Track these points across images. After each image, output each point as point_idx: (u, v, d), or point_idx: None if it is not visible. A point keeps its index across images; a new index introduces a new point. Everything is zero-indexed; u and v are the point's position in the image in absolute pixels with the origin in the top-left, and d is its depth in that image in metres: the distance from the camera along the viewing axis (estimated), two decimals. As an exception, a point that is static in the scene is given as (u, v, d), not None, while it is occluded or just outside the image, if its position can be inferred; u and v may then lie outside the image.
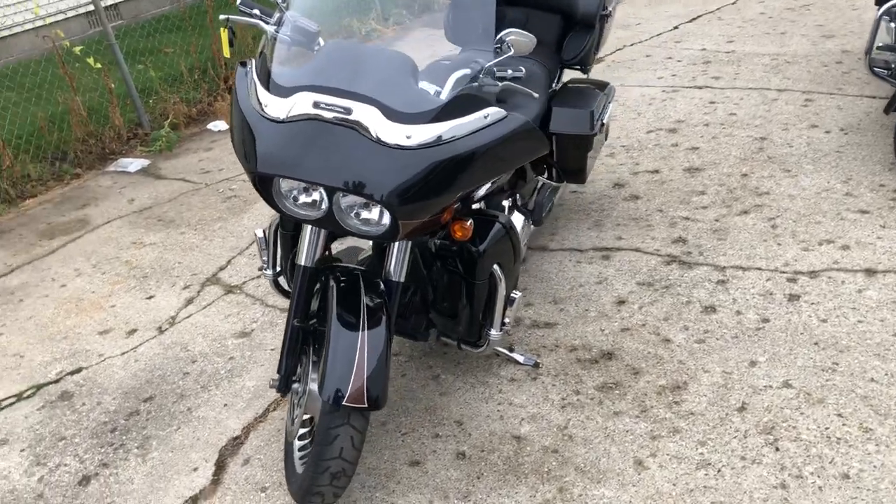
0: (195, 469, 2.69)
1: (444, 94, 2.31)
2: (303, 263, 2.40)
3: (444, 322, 2.67)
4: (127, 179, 5.29)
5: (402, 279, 2.41)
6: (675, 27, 6.73)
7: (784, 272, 3.26)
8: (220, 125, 6.04)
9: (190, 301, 3.70)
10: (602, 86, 3.57)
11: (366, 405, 2.12)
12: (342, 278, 2.32)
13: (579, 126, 3.27)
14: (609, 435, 2.58)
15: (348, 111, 2.03)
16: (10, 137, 5.40)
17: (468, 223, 2.39)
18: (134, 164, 5.48)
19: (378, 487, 2.50)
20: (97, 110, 5.84)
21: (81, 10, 7.19)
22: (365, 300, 2.26)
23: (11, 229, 4.77)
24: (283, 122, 2.08)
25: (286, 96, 2.10)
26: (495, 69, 2.40)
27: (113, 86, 5.78)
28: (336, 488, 2.24)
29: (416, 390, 2.90)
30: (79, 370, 3.31)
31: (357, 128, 2.02)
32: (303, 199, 2.15)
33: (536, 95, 2.64)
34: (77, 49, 5.50)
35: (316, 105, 2.05)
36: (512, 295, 2.63)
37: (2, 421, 3.07)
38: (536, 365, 2.92)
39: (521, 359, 2.94)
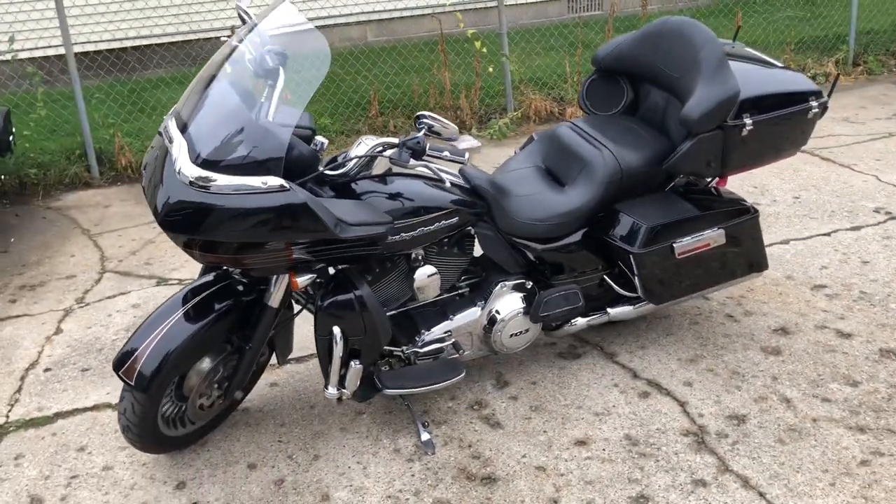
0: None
1: (360, 151, 2.45)
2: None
3: None
4: (448, 153, 5.94)
5: (276, 306, 2.62)
6: None
7: (780, 516, 2.44)
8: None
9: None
10: (721, 206, 2.99)
11: (131, 383, 2.48)
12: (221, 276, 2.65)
13: (627, 240, 2.88)
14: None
15: (171, 141, 2.32)
16: (386, 93, 6.48)
17: (302, 278, 2.47)
18: (466, 142, 6.09)
19: (213, 466, 2.81)
20: (466, 87, 6.52)
21: (491, 4, 7.72)
22: (207, 296, 2.57)
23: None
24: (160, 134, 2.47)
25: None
26: (428, 147, 2.42)
27: (491, 69, 6.42)
28: (129, 436, 2.65)
29: (335, 415, 3.04)
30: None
31: (169, 156, 2.31)
32: None
33: (447, 184, 2.50)
34: (470, 32, 6.23)
35: (164, 128, 2.39)
36: (351, 363, 2.60)
37: (158, 292, 4.10)
38: (426, 452, 2.80)
39: (423, 437, 2.85)
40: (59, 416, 3.16)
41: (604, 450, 2.77)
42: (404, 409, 3.03)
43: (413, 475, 2.71)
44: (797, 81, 3.00)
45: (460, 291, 2.99)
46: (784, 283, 3.75)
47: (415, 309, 2.91)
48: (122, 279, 4.28)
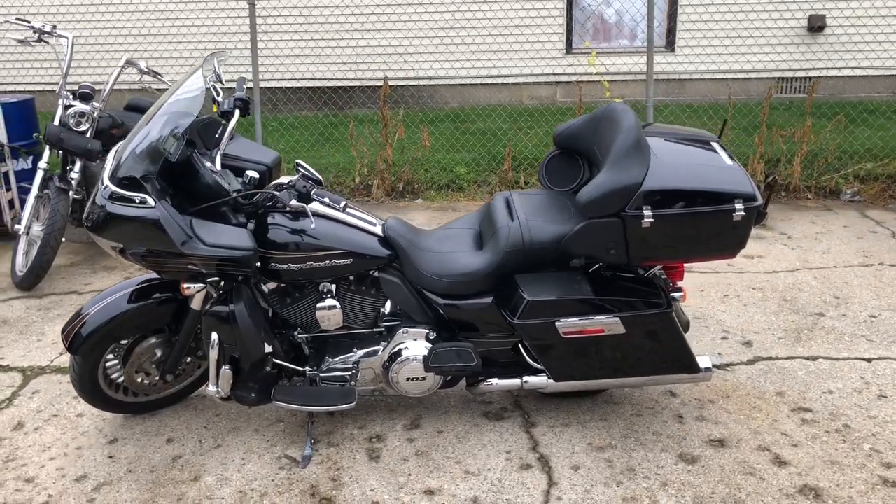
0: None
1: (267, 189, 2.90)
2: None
3: None
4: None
5: (195, 308, 3.11)
6: None
7: None
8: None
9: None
10: (627, 295, 2.96)
11: (66, 345, 3.09)
12: None
13: (510, 309, 2.99)
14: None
15: (107, 162, 2.92)
16: (524, 150, 6.76)
17: (191, 286, 2.91)
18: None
19: (144, 432, 3.35)
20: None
21: (640, 77, 7.56)
22: (154, 285, 3.14)
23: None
24: None
25: None
26: (312, 190, 2.84)
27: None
28: (76, 390, 3.26)
29: (260, 418, 3.44)
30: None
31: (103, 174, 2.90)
32: None
33: (313, 226, 2.81)
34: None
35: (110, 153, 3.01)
36: (223, 368, 2.97)
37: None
38: (298, 464, 3.09)
39: (306, 452, 3.14)
40: (83, 369, 3.90)
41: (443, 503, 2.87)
42: (315, 427, 3.34)
43: (272, 480, 3.03)
44: (727, 182, 2.85)
45: (379, 330, 3.25)
46: (768, 397, 3.47)
47: (332, 337, 3.23)
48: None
